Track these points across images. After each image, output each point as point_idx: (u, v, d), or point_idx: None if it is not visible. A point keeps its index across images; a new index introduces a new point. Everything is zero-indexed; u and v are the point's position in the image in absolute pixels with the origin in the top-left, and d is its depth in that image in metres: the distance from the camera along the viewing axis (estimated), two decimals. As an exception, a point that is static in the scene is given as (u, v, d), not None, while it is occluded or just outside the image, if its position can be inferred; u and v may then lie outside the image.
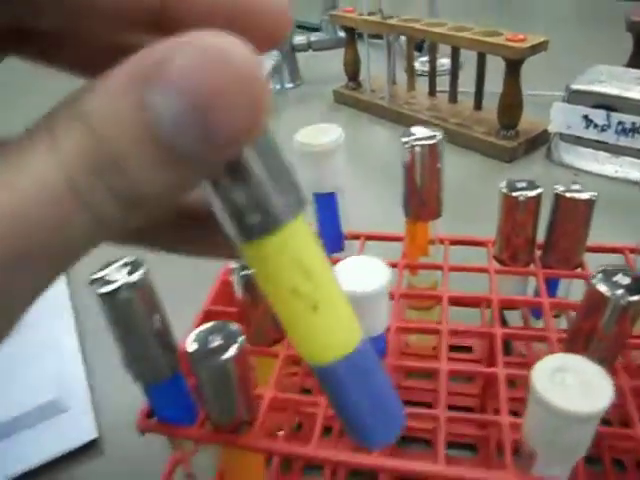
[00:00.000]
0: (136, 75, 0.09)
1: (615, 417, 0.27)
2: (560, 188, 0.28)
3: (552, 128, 0.57)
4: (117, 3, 0.11)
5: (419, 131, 0.28)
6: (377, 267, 0.24)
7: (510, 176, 0.57)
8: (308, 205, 0.13)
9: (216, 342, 0.21)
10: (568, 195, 0.28)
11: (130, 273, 0.19)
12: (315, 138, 0.28)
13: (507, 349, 0.35)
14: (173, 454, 0.26)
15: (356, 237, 0.33)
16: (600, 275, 0.22)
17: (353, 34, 0.73)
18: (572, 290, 0.31)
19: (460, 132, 0.62)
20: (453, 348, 0.35)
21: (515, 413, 0.23)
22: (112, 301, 0.19)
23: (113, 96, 0.09)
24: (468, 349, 0.37)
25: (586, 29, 1.00)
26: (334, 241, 0.32)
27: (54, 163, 0.09)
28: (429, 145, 0.27)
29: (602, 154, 0.56)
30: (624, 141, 0.53)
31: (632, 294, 0.21)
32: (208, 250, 0.15)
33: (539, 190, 0.28)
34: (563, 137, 0.57)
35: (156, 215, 0.11)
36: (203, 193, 0.12)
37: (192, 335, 0.21)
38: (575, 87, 0.55)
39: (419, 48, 0.86)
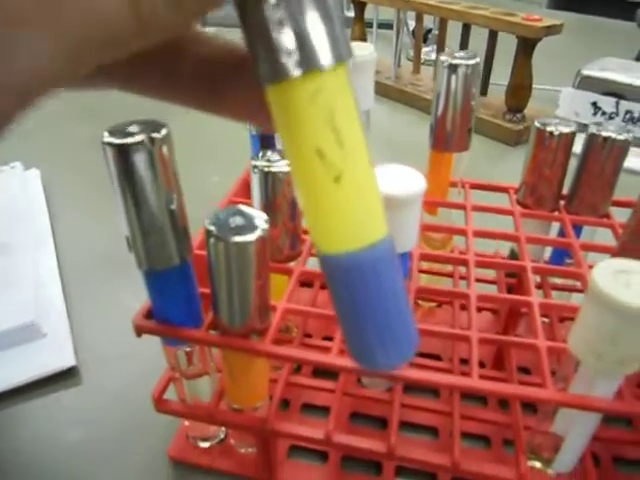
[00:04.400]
0: None
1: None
2: (595, 128, 0.27)
3: (560, 113, 0.56)
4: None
5: (458, 54, 0.26)
6: (412, 176, 0.22)
7: (513, 159, 0.57)
8: (351, 59, 0.11)
9: (238, 223, 0.18)
10: (603, 134, 0.27)
11: (151, 131, 0.17)
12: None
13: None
14: (166, 372, 0.24)
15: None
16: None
17: (363, 9, 0.71)
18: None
19: (465, 114, 0.61)
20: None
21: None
22: (128, 156, 0.17)
23: None
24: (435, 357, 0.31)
25: (576, 40, 1.01)
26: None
27: None
28: (467, 66, 0.26)
29: (608, 143, 0.55)
30: (631, 130, 0.53)
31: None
32: (230, 108, 0.14)
33: (573, 128, 0.27)
34: (569, 124, 0.57)
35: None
36: (239, 25, 0.11)
37: (212, 214, 0.19)
38: (586, 73, 0.55)
39: (424, 39, 0.86)
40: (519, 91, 0.56)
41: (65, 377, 0.30)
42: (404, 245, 0.22)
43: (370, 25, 0.73)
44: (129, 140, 0.16)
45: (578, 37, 1.00)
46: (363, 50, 0.26)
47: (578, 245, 0.26)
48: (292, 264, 0.25)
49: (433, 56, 0.78)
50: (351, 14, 0.74)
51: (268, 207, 0.23)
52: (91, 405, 0.29)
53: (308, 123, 0.10)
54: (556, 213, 0.29)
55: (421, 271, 0.30)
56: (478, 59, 0.26)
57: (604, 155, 0.27)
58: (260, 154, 0.23)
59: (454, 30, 0.65)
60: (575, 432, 0.20)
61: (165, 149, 0.17)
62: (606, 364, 0.17)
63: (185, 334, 0.20)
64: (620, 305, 0.16)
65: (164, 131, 0.17)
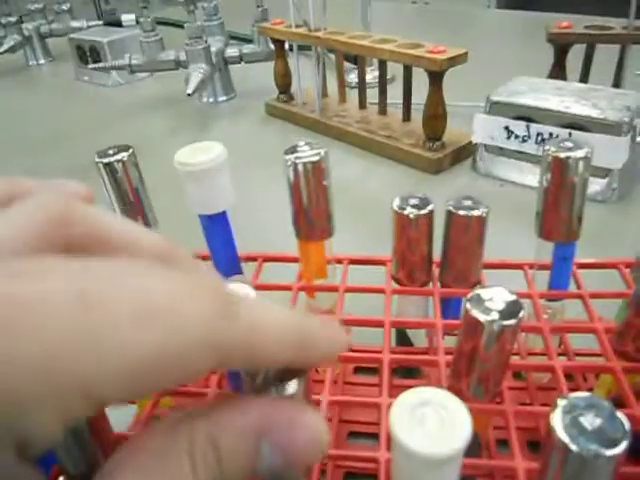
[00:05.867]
0: (259, 429, 0.14)
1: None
2: (451, 204, 0.27)
3: (475, 139, 0.57)
4: None
5: (303, 148, 0.27)
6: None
7: (434, 188, 0.57)
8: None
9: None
10: (460, 212, 0.27)
11: None
12: (194, 157, 0.26)
13: (417, 371, 0.34)
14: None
15: (253, 259, 0.31)
16: (475, 298, 0.21)
17: (283, 46, 0.72)
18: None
19: (388, 144, 0.62)
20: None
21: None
22: None
23: (238, 437, 0.13)
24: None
25: (514, 41, 1.02)
26: (229, 264, 0.30)
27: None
28: (312, 163, 0.26)
29: (525, 164, 0.56)
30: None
31: (506, 317, 0.20)
32: None
33: (430, 207, 0.28)
34: (487, 148, 0.58)
35: None
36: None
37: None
38: (495, 99, 0.55)
39: (354, 60, 0.86)
40: (434, 120, 0.57)
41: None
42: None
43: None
44: None
45: (520, 38, 1.01)
46: (210, 154, 0.26)
47: (440, 325, 0.26)
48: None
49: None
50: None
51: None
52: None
53: None
54: (430, 285, 0.30)
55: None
56: (324, 152, 0.26)
57: (464, 231, 0.27)
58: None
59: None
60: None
61: None
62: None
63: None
64: (410, 452, 0.16)
65: None
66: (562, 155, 0.25)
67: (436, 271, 0.30)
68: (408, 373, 0.34)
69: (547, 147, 0.26)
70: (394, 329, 0.32)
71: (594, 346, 0.27)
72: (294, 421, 0.14)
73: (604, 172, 0.53)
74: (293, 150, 0.27)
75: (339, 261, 0.31)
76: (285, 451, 0.13)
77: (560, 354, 0.32)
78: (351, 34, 0.63)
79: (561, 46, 0.62)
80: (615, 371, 0.24)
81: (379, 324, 0.27)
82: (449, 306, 0.30)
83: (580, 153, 0.25)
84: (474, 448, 0.27)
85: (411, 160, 0.59)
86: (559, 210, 0.27)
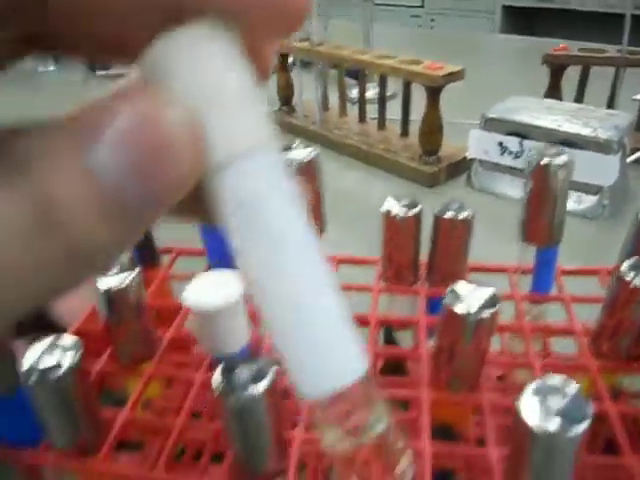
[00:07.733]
0: (78, 136, 0.10)
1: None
2: (438, 209, 0.29)
3: (470, 154, 0.58)
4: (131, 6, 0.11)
5: (297, 150, 0.28)
6: (229, 281, 0.23)
7: (429, 201, 0.59)
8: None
9: (51, 359, 0.20)
10: (445, 216, 0.28)
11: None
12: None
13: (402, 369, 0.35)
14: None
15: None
16: (453, 293, 0.22)
17: (285, 59, 0.73)
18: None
19: (386, 157, 0.63)
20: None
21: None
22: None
23: (58, 156, 0.10)
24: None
25: (514, 64, 1.05)
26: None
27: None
28: (306, 162, 0.27)
29: (518, 180, 0.57)
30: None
31: (485, 309, 0.21)
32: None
33: (417, 209, 0.29)
34: (482, 164, 0.59)
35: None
36: None
37: (27, 352, 0.20)
38: (490, 115, 0.57)
39: (356, 76, 0.88)
40: (430, 136, 0.58)
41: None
42: (235, 345, 0.24)
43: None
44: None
45: (519, 62, 1.03)
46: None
47: (424, 323, 0.27)
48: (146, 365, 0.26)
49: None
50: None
51: (113, 313, 0.25)
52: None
53: None
54: (419, 284, 0.31)
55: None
56: (315, 154, 0.28)
57: (449, 233, 0.28)
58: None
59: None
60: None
61: None
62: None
63: (19, 457, 0.21)
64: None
65: None
66: (544, 161, 0.27)
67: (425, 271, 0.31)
68: (394, 371, 0.35)
69: (531, 153, 0.27)
70: (383, 330, 0.33)
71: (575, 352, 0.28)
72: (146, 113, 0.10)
73: (595, 189, 0.54)
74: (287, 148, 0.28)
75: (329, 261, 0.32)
76: (120, 148, 0.10)
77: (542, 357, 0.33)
78: (353, 49, 0.65)
79: (556, 68, 0.63)
80: (590, 369, 0.25)
81: (365, 321, 0.28)
82: (435, 306, 0.31)
83: (560, 160, 0.26)
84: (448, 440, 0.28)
85: (408, 173, 0.61)
86: (541, 214, 0.28)
